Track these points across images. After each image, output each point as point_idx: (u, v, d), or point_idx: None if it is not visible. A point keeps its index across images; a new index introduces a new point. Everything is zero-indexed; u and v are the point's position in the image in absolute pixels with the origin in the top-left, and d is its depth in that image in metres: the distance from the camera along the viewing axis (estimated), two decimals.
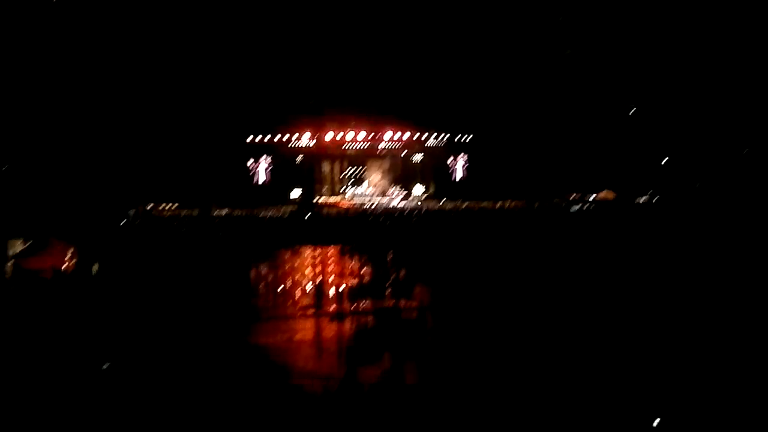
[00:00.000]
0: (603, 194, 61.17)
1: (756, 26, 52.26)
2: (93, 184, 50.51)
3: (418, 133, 70.55)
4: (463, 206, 57.55)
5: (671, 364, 13.09)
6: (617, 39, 59.92)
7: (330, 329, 18.99)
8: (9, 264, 22.42)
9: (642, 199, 59.50)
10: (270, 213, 54.15)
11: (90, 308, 17.69)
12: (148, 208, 56.74)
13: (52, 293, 19.72)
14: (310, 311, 20.80)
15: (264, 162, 72.09)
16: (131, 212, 53.42)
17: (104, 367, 10.89)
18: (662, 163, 63.07)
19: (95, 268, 24.42)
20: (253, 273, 29.21)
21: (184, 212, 54.18)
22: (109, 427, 8.74)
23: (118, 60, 54.15)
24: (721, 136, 56.29)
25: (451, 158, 73.61)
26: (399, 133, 69.70)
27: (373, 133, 69.21)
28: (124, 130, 54.21)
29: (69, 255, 23.74)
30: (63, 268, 22.65)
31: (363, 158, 75.42)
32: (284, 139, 69.19)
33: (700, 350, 13.92)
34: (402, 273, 24.71)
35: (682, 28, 56.05)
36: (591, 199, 60.97)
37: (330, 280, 26.30)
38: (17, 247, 23.26)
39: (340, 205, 60.24)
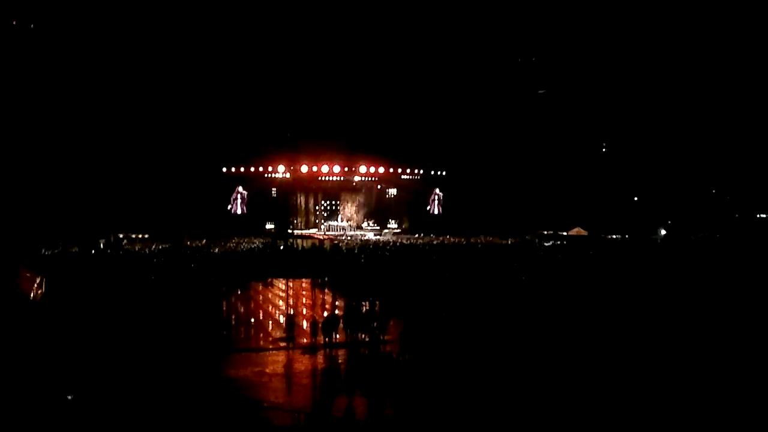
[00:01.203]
0: (575, 231, 62.10)
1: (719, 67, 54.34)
2: (65, 213, 49.93)
3: (392, 168, 71.17)
4: (437, 241, 57.90)
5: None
6: (589, 77, 61.61)
7: (302, 362, 18.85)
8: None
9: (614, 236, 60.53)
10: (243, 244, 53.81)
11: (57, 337, 17.37)
12: (120, 237, 56.02)
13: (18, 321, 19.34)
14: (282, 344, 20.63)
15: (239, 193, 71.97)
16: (102, 242, 52.76)
17: (69, 398, 10.67)
18: (634, 200, 64.49)
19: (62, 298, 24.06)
20: (224, 305, 28.93)
21: (153, 244, 53.52)
22: None
23: (94, 90, 54.03)
24: (690, 175, 57.87)
25: (426, 193, 74.29)
26: (373, 168, 70.25)
27: (347, 167, 69.66)
28: (96, 159, 53.78)
29: (37, 284, 23.37)
30: (31, 296, 22.27)
31: (338, 191, 75.69)
32: (260, 170, 69.22)
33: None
34: (376, 306, 24.66)
35: (652, 65, 57.94)
36: (564, 234, 61.83)
37: (303, 312, 26.14)
38: None
39: (314, 237, 60.17)
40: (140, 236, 58.15)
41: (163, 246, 51.27)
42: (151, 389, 13.32)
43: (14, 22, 48.36)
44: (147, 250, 46.96)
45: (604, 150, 67.94)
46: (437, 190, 74.99)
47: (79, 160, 52.94)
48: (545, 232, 62.63)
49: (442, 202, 74.98)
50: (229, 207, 69.93)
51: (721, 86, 55.85)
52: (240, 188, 71.36)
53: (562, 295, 23.66)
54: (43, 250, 37.44)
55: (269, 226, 69.81)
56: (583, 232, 61.79)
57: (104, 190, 53.56)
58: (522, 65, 64.84)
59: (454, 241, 57.41)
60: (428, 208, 75.10)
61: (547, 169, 63.81)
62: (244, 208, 71.70)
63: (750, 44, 54.34)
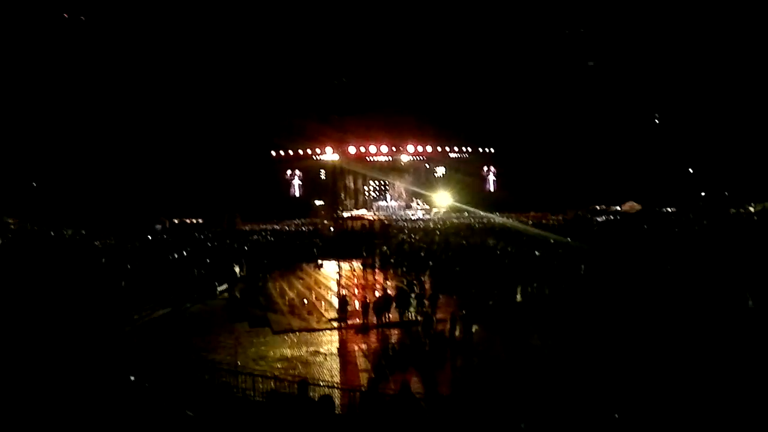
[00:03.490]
0: (627, 205, 60.56)
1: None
2: (120, 199, 51.54)
3: (440, 147, 70.64)
4: (490, 219, 57.38)
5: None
6: (639, 51, 59.48)
7: (355, 342, 19.05)
8: None
9: (669, 209, 58.70)
10: (294, 227, 54.55)
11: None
12: (175, 222, 57.56)
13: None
14: (336, 324, 20.86)
15: (288, 176, 72.83)
16: (158, 226, 54.35)
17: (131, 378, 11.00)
18: (688, 173, 62.32)
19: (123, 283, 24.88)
20: (277, 286, 29.41)
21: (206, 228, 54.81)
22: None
23: (145, 83, 55.24)
24: (744, 146, 55.34)
25: (475, 171, 73.51)
26: (421, 147, 69.89)
27: (395, 147, 69.46)
28: (150, 148, 55.13)
29: None
30: None
31: (387, 171, 75.56)
32: (308, 152, 69.70)
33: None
34: (426, 284, 24.64)
35: (698, 41, 55.46)
36: (617, 209, 60.41)
37: (354, 293, 26.35)
38: None
39: (364, 218, 60.48)
40: (195, 221, 59.56)
41: (217, 230, 52.49)
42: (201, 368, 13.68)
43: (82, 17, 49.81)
44: (201, 235, 48.08)
45: (656, 121, 65.69)
46: (492, 167, 74.21)
47: (134, 149, 54.37)
48: (598, 207, 61.26)
49: (492, 178, 74.22)
50: (279, 189, 70.75)
51: None
52: (297, 170, 72.28)
53: (616, 275, 23.00)
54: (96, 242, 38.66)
55: (318, 203, 70.52)
56: (637, 206, 60.18)
57: (159, 177, 54.92)
58: (570, 37, 63.03)
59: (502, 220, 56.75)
60: (484, 184, 74.41)
61: (599, 142, 62.14)
62: (294, 189, 72.62)
63: None
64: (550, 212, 59.92)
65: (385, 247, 37.18)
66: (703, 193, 58.21)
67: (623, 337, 15.66)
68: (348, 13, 60.16)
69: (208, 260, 30.50)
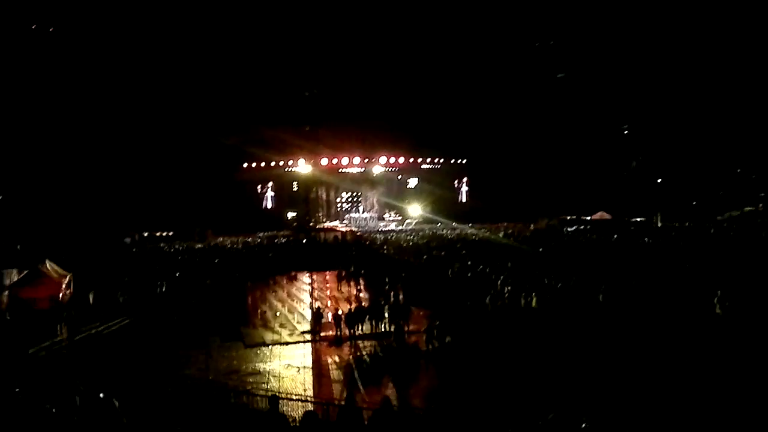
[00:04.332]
0: (599, 215, 61.33)
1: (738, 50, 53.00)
2: (88, 213, 50.56)
3: (413, 158, 70.92)
4: (463, 230, 57.58)
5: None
6: (609, 62, 60.56)
7: (329, 354, 18.90)
8: (5, 294, 22.40)
9: (638, 219, 59.61)
10: (266, 239, 54.11)
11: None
12: (145, 235, 56.70)
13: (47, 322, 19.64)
14: (309, 337, 20.69)
15: (260, 188, 72.35)
16: (127, 240, 53.46)
17: (101, 396, 10.73)
18: (656, 183, 63.42)
19: (91, 296, 24.39)
20: (249, 299, 29.11)
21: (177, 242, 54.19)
22: None
23: (112, 90, 54.46)
24: (713, 155, 56.70)
25: (448, 182, 73.91)
26: (393, 159, 70.11)
27: (367, 159, 69.54)
28: (118, 158, 54.27)
29: (65, 283, 23.71)
30: (60, 296, 22.62)
31: (359, 183, 75.53)
32: (280, 164, 69.33)
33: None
34: (400, 297, 24.61)
35: (671, 49, 56.71)
36: (588, 219, 61.13)
37: (327, 305, 26.18)
38: (13, 276, 23.26)
39: (336, 230, 60.30)
40: (165, 234, 58.75)
41: (188, 243, 51.84)
42: (176, 384, 13.42)
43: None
44: (171, 248, 47.44)
45: (625, 132, 66.82)
46: (464, 178, 74.69)
47: (102, 161, 53.46)
48: (568, 217, 61.94)
49: (465, 189, 74.74)
50: (250, 201, 70.15)
51: (743, 65, 54.41)
52: (270, 182, 71.85)
53: (587, 283, 23.26)
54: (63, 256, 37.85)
55: (291, 215, 70.24)
56: (607, 216, 61.00)
57: (128, 190, 54.08)
58: (540, 49, 63.93)
59: (474, 231, 57.10)
60: (456, 195, 74.82)
61: (570, 153, 62.97)
62: (266, 201, 72.16)
63: None
64: (521, 222, 60.38)
65: (357, 259, 37.07)
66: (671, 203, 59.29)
67: (594, 343, 15.87)
68: (322, 24, 60.25)
69: (177, 274, 30.09)
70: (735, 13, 52.63)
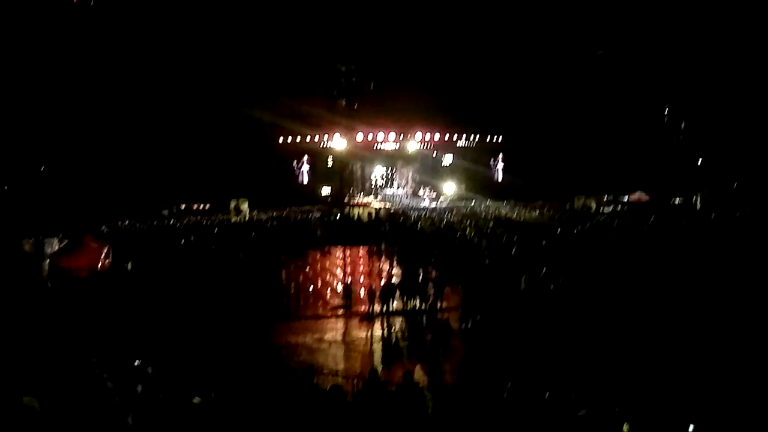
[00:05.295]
0: (636, 195, 59.99)
1: None
2: (128, 184, 51.58)
3: (448, 135, 70.18)
4: (498, 208, 57.04)
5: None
6: (650, 41, 58.74)
7: (360, 330, 18.99)
8: (45, 263, 22.97)
9: (677, 200, 58.17)
10: (300, 214, 54.42)
11: (124, 306, 17.93)
12: (182, 207, 57.55)
13: (87, 291, 20.08)
14: (341, 312, 20.82)
15: (296, 163, 72.56)
16: (165, 212, 54.39)
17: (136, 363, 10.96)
18: (697, 164, 61.67)
19: (129, 266, 24.86)
20: (283, 273, 29.36)
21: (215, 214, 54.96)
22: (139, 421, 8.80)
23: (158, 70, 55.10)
24: (756, 136, 54.65)
25: (484, 159, 73.12)
26: (429, 135, 69.46)
27: (402, 135, 69.07)
28: (154, 132, 54.99)
29: (104, 253, 24.18)
30: (99, 266, 23.08)
31: (394, 159, 75.27)
32: (315, 140, 69.37)
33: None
34: (432, 273, 24.56)
35: (711, 30, 54.69)
36: (624, 200, 59.86)
37: (360, 280, 26.28)
38: (53, 245, 23.83)
39: (370, 206, 60.32)
40: (202, 207, 59.50)
41: (225, 216, 52.52)
42: (211, 357, 13.58)
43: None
44: (207, 221, 48.07)
45: (666, 111, 65.02)
46: (499, 156, 73.74)
47: (143, 135, 54.27)
48: (605, 197, 60.73)
49: (501, 167, 73.79)
50: (286, 177, 70.43)
51: None
52: (305, 158, 72.01)
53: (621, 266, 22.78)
54: (103, 227, 38.68)
55: (325, 191, 70.50)
56: (645, 197, 59.66)
57: (167, 164, 54.83)
58: (580, 26, 62.30)
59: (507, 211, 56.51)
60: (492, 173, 74.00)
61: (608, 131, 61.55)
62: (302, 177, 72.38)
63: None
64: (557, 201, 59.47)
65: (391, 236, 37.03)
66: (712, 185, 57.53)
67: (626, 330, 15.49)
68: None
69: (212, 247, 30.48)
70: None
